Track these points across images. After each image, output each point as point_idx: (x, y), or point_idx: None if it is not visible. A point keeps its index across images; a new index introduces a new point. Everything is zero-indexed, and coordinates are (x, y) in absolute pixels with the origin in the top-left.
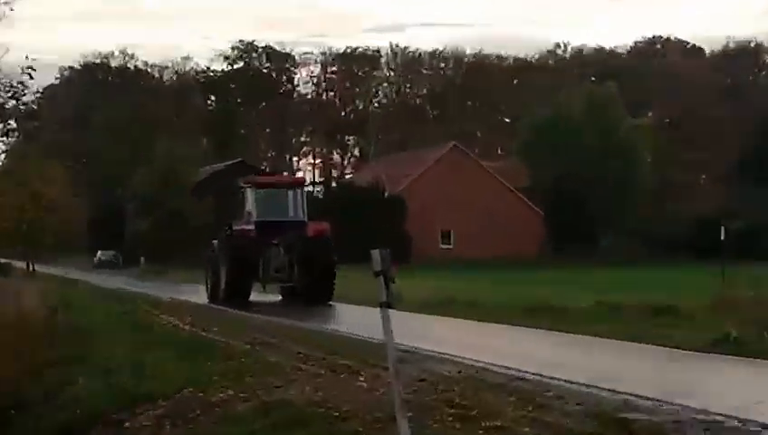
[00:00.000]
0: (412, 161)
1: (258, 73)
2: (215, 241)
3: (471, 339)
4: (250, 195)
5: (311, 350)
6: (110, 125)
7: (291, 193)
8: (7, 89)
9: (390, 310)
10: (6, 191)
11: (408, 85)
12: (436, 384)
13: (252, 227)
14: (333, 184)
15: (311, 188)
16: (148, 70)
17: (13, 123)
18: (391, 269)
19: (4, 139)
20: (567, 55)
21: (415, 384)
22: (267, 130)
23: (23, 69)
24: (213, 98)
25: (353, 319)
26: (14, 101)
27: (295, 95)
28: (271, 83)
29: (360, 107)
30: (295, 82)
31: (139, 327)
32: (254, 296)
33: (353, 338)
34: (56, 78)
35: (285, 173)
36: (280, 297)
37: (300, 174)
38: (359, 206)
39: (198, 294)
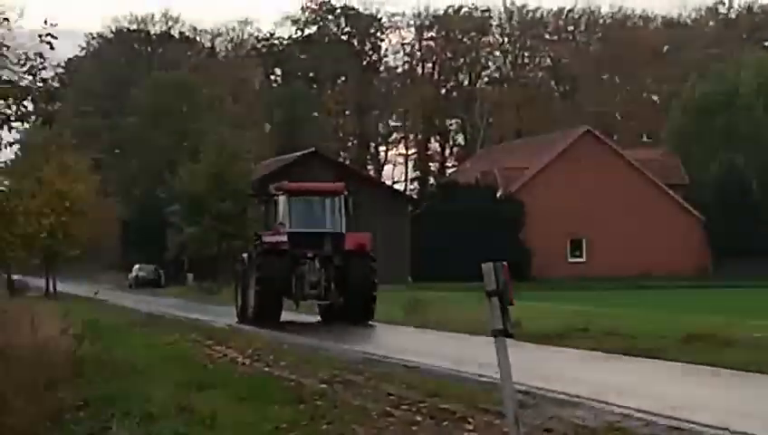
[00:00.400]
0: (532, 152)
1: (335, 41)
2: (244, 254)
3: (610, 378)
4: (283, 203)
5: (404, 390)
6: (148, 107)
7: (328, 202)
8: (22, 62)
9: (508, 340)
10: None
11: (527, 54)
12: None
13: (284, 238)
14: (431, 181)
15: (401, 187)
16: (197, 37)
17: (29, 105)
18: (508, 288)
19: (19, 124)
20: (732, 14)
21: None
22: (347, 113)
23: (41, 37)
24: (278, 72)
25: (455, 351)
26: (30, 78)
27: (382, 68)
28: (352, 53)
29: (465, 83)
30: (382, 52)
31: (187, 361)
32: (288, 316)
33: (458, 375)
34: (81, 48)
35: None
36: (318, 318)
37: (389, 168)
38: (463, 209)
39: (265, 322)
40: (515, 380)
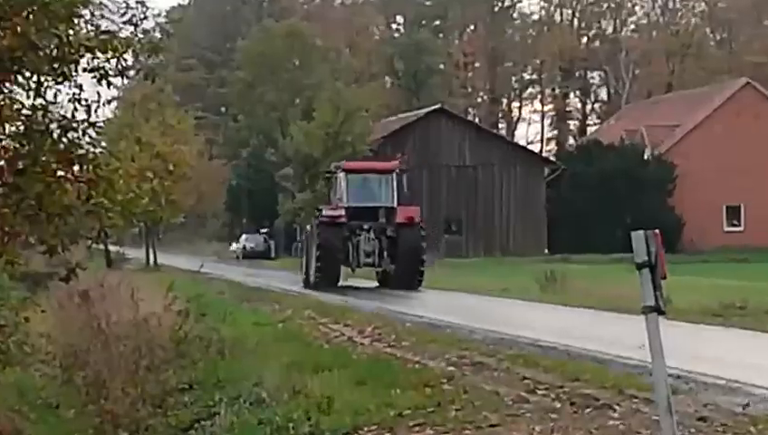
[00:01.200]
0: (684, 108)
1: None
2: (308, 226)
3: None
4: (342, 180)
5: (541, 374)
6: (257, 60)
7: (382, 179)
8: (122, 11)
9: (660, 318)
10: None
11: None
12: (724, 425)
13: (342, 212)
14: (571, 141)
15: (537, 147)
16: None
17: (129, 59)
18: (660, 260)
19: (119, 80)
20: None
21: (692, 424)
22: (476, 65)
23: None
24: (400, 20)
25: (598, 330)
26: (131, 28)
27: (515, 15)
28: None
29: (609, 31)
30: None
31: (301, 341)
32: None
33: (601, 357)
34: None
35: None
36: (375, 283)
37: (523, 126)
38: (606, 172)
39: (381, 296)
40: (667, 362)
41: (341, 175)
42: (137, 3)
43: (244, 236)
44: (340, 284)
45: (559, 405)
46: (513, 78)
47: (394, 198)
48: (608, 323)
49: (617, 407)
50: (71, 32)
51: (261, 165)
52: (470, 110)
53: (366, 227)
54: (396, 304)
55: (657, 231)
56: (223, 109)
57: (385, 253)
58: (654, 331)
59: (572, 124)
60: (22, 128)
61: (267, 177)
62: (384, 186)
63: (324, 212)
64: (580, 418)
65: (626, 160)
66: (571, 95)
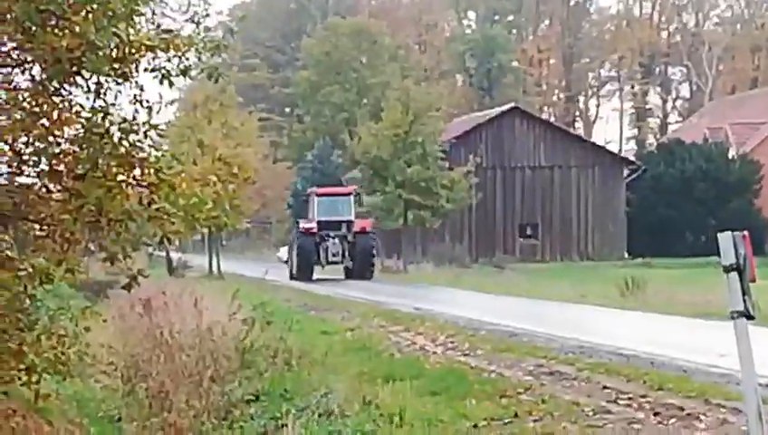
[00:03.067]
0: None
1: None
2: (292, 233)
3: None
4: (314, 201)
5: (623, 383)
6: (323, 59)
7: (344, 199)
8: (184, 9)
9: (750, 323)
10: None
11: None
12: None
13: (314, 225)
14: (651, 140)
15: (615, 146)
16: None
17: (191, 58)
18: (749, 263)
19: (180, 80)
20: None
21: None
22: (552, 62)
23: None
24: (471, 16)
25: (682, 337)
26: (193, 26)
27: (593, 9)
28: None
29: (690, 24)
30: None
31: (371, 350)
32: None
33: (686, 365)
34: None
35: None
36: (342, 276)
37: (600, 125)
38: (689, 172)
39: (456, 305)
40: (757, 370)
41: (314, 197)
42: (199, 0)
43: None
44: (315, 277)
45: (642, 416)
46: (590, 75)
47: (352, 213)
48: (693, 330)
49: (703, 417)
50: (131, 31)
51: (327, 168)
52: (545, 108)
53: (332, 235)
54: (468, 312)
55: (745, 232)
56: (288, 110)
57: (346, 253)
58: (743, 337)
59: (653, 122)
60: (81, 131)
61: (334, 180)
62: (345, 205)
63: (301, 225)
64: (664, 429)
65: (710, 160)
66: (652, 92)
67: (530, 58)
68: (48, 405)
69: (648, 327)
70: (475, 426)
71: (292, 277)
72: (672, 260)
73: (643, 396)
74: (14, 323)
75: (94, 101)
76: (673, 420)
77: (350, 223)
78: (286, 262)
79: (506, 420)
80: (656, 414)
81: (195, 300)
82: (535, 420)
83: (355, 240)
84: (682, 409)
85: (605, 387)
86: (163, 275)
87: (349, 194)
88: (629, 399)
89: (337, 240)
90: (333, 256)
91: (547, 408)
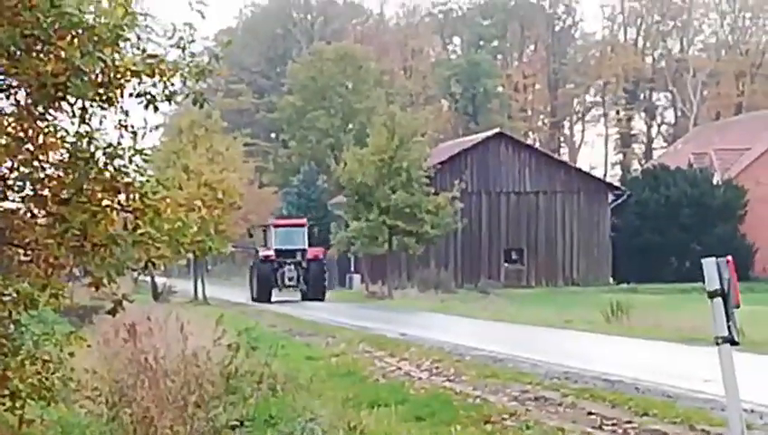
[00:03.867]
0: (755, 130)
1: (523, 3)
2: (251, 262)
3: None
4: (272, 231)
5: (607, 409)
6: (308, 84)
7: (299, 229)
8: (170, 34)
9: (733, 349)
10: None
11: (748, 16)
12: None
13: (272, 253)
14: (636, 166)
15: (600, 172)
16: (363, 2)
17: (176, 83)
18: (733, 288)
19: (166, 105)
20: None
21: None
22: (537, 87)
23: (191, 5)
24: (456, 41)
25: (667, 363)
26: (178, 52)
27: (577, 34)
28: (540, 17)
29: (675, 50)
30: (578, 16)
31: (356, 375)
32: (278, 297)
33: (670, 390)
34: (234, 18)
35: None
36: (299, 297)
37: (585, 150)
38: (674, 198)
39: (441, 330)
40: (741, 396)
41: (272, 228)
42: (184, 25)
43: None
44: (273, 299)
45: None
46: (575, 100)
47: (305, 242)
48: (677, 356)
49: None
50: (116, 56)
51: (312, 193)
52: (530, 134)
53: (288, 262)
54: (454, 337)
55: (729, 258)
56: (273, 135)
57: (301, 278)
58: (727, 363)
59: (637, 148)
60: (66, 156)
61: (319, 205)
62: (299, 235)
63: (261, 253)
64: None
65: (694, 186)
66: (636, 118)
67: (515, 83)
68: (32, 431)
69: (633, 352)
70: None
71: (253, 299)
72: (657, 285)
73: (628, 422)
74: None
75: (79, 125)
76: None
77: (304, 251)
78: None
79: None
80: None
81: (180, 325)
82: None
83: (308, 267)
84: (666, 434)
85: (590, 413)
86: (148, 301)
87: (303, 225)
88: (614, 425)
89: (292, 266)
90: (289, 280)
91: (532, 434)
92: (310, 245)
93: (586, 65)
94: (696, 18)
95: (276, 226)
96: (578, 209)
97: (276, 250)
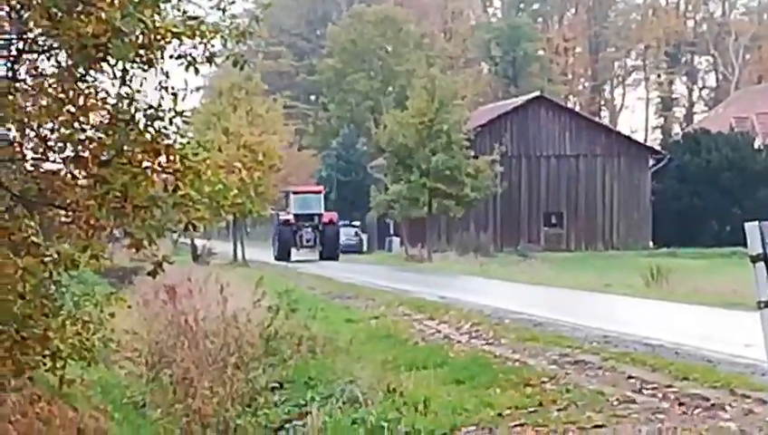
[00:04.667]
0: None
1: None
2: (274, 222)
3: None
4: (292, 198)
5: (647, 373)
6: (348, 47)
7: (315, 196)
8: None
9: None
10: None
11: None
12: None
13: (291, 217)
14: (677, 130)
15: (641, 135)
16: None
17: (217, 44)
18: None
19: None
20: None
21: None
22: (577, 51)
23: None
24: (497, 3)
25: (707, 327)
26: (219, 13)
27: None
28: None
29: (717, 14)
30: None
31: (395, 338)
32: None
33: (710, 355)
34: None
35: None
36: (317, 257)
37: (626, 114)
38: (714, 162)
39: (481, 293)
40: None
41: (292, 195)
42: None
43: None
44: (293, 258)
45: (667, 405)
46: (616, 64)
47: (321, 208)
48: (718, 320)
49: (728, 407)
50: (157, 17)
51: (352, 156)
52: (570, 97)
53: (306, 225)
54: (493, 300)
55: None
56: (313, 97)
57: (317, 240)
58: None
59: (678, 112)
60: (107, 117)
61: (359, 168)
62: (316, 201)
63: (281, 217)
64: (689, 419)
65: (735, 150)
66: (677, 81)
67: (555, 47)
68: (72, 391)
69: (673, 317)
70: (500, 415)
71: (275, 258)
72: (697, 250)
73: (668, 386)
74: (39, 308)
75: (120, 87)
76: (698, 411)
77: (320, 216)
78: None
79: (531, 409)
80: (680, 404)
81: (220, 287)
82: (560, 410)
83: (324, 229)
84: (707, 399)
85: (630, 377)
86: (188, 262)
87: (319, 192)
88: (654, 389)
89: (309, 229)
90: (307, 241)
91: (571, 397)
92: (325, 210)
93: (627, 29)
94: None
95: (295, 193)
96: (618, 173)
97: (295, 215)
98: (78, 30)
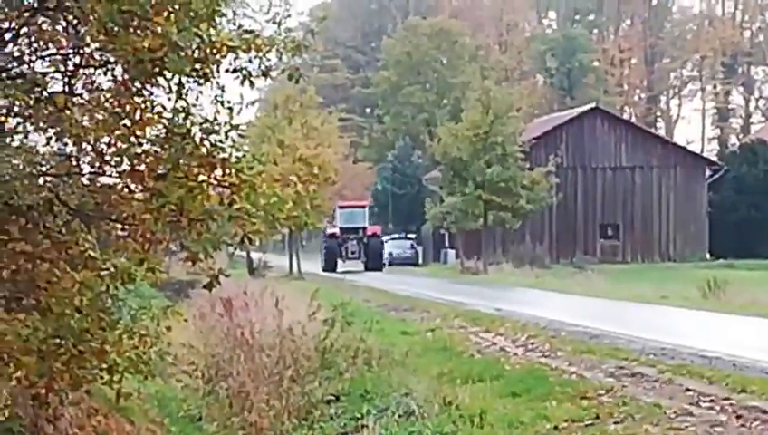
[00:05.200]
0: None
1: None
2: (322, 236)
3: None
4: (338, 212)
5: (705, 385)
6: (403, 59)
7: (360, 210)
8: (265, 10)
9: None
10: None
11: None
12: None
13: (337, 230)
14: (733, 141)
15: (697, 146)
16: None
17: (272, 58)
18: None
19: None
20: None
21: None
22: (633, 62)
23: None
24: (552, 15)
25: (766, 339)
26: (274, 27)
27: (675, 8)
28: None
29: None
30: None
31: (451, 351)
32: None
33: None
34: None
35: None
36: (362, 268)
37: (682, 125)
38: None
39: (536, 305)
40: None
41: (338, 210)
42: (280, 0)
43: (389, 243)
44: (339, 269)
45: (725, 418)
46: (672, 75)
47: (366, 221)
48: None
49: None
50: (212, 31)
51: (407, 168)
52: (626, 108)
53: (351, 238)
54: (549, 312)
55: None
56: (368, 110)
57: (362, 252)
58: None
59: (735, 123)
60: (163, 131)
61: (414, 180)
62: (360, 215)
63: (328, 230)
64: (747, 431)
65: None
66: (734, 92)
67: (611, 58)
68: (129, 404)
69: (730, 329)
70: (556, 428)
71: (322, 269)
72: (755, 261)
73: (726, 398)
74: (96, 322)
75: (176, 101)
76: (756, 423)
77: (364, 229)
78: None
79: (587, 422)
80: (738, 417)
81: (275, 300)
82: (616, 422)
83: (368, 242)
84: (765, 411)
85: (687, 389)
86: (244, 275)
87: (363, 207)
88: (712, 401)
89: (354, 242)
90: (352, 253)
91: (628, 410)
92: (376, 223)
93: (683, 39)
94: None
95: (341, 207)
96: (674, 184)
97: (341, 228)
98: (134, 44)
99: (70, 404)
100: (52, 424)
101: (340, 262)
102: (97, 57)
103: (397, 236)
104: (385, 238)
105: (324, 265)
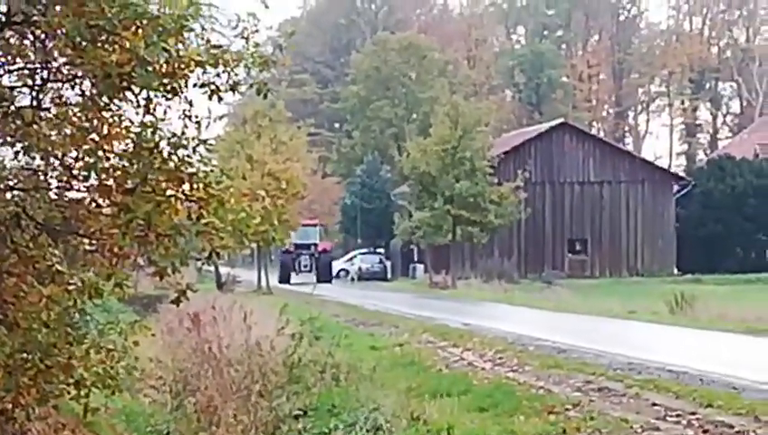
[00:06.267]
0: None
1: None
2: (279, 252)
3: None
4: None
5: (671, 400)
6: (372, 74)
7: (313, 228)
8: (234, 24)
9: None
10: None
11: None
12: None
13: (292, 247)
14: (701, 156)
15: (665, 162)
16: None
17: (241, 73)
18: None
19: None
20: None
21: None
22: (601, 77)
23: None
24: (520, 30)
25: (732, 354)
26: (242, 42)
27: (642, 24)
28: (605, 6)
29: (741, 40)
30: (642, 5)
31: (419, 365)
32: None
33: (735, 382)
34: (298, 8)
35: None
36: (314, 280)
37: (650, 141)
38: (739, 189)
39: (505, 320)
40: None
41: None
42: (248, 15)
43: (358, 257)
44: (293, 281)
45: (691, 433)
46: (640, 90)
47: (317, 238)
48: (743, 347)
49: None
50: (181, 46)
51: (376, 183)
52: (594, 124)
53: (304, 253)
54: (517, 327)
55: None
56: (336, 125)
57: (313, 266)
58: None
59: (703, 138)
60: (131, 146)
61: (383, 195)
62: (313, 232)
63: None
64: None
65: (760, 176)
66: (702, 108)
67: (579, 73)
68: (97, 419)
69: (697, 343)
70: None
71: (279, 281)
72: (722, 276)
73: (692, 413)
74: (63, 337)
75: (144, 116)
76: None
77: (315, 245)
78: (352, 279)
79: None
80: (705, 432)
81: (243, 315)
82: None
83: (319, 257)
84: (731, 426)
85: (654, 404)
86: (212, 290)
87: (315, 225)
88: (678, 416)
89: (307, 256)
90: (304, 267)
91: (595, 424)
92: (320, 240)
93: (651, 55)
94: (762, 7)
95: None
96: (642, 200)
97: (294, 244)
98: (102, 59)
99: (37, 419)
100: None
101: (293, 275)
102: (65, 71)
103: (365, 250)
104: (354, 253)
105: (279, 277)
